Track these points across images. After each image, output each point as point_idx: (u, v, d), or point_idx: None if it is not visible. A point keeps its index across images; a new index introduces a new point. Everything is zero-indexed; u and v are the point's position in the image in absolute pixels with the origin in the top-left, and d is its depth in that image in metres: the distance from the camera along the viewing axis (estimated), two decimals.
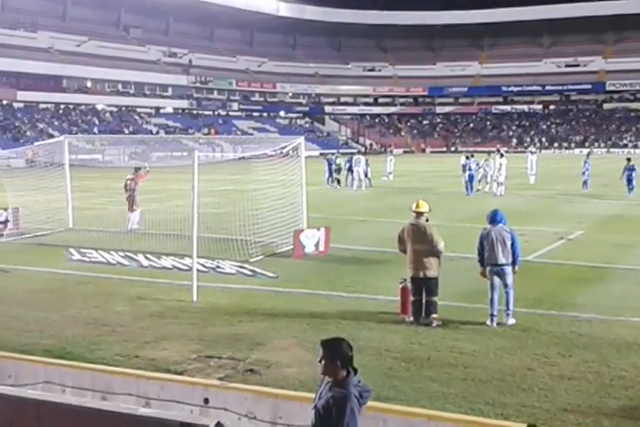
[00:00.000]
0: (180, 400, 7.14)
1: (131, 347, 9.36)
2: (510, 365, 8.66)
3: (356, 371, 4.81)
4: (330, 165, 37.30)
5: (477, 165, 31.81)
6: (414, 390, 7.81)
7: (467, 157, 33.10)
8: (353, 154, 40.71)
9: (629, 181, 30.78)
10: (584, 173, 33.48)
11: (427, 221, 11.07)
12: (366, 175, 35.97)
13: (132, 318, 10.95)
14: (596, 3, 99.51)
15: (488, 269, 10.66)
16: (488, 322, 10.47)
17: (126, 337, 9.85)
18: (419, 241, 10.73)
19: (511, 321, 10.46)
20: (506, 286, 10.59)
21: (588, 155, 39.69)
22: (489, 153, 37.81)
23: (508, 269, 10.59)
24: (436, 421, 6.34)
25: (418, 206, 11.07)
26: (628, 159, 32.54)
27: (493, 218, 10.78)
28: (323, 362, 4.69)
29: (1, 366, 8.09)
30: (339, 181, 36.51)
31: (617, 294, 12.56)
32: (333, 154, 40.91)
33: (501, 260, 10.51)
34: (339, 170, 37.25)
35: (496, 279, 10.60)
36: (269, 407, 6.87)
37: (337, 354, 4.69)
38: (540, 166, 39.01)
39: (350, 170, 36.38)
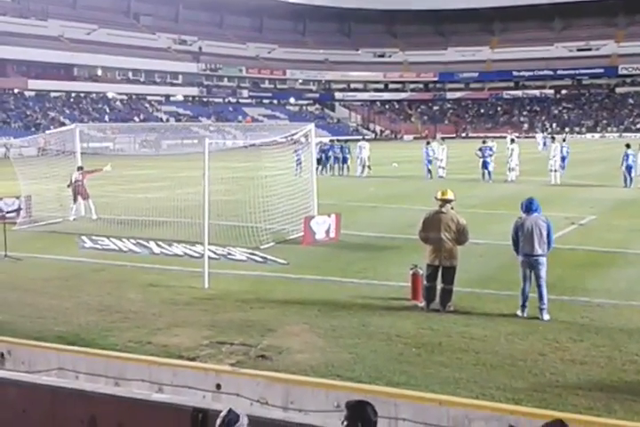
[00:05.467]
0: (193, 386, 7.19)
1: (143, 333, 9.42)
2: (521, 350, 8.67)
3: None
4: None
5: (491, 150, 31.55)
6: (425, 375, 7.83)
7: (483, 142, 33.07)
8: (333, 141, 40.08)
9: (629, 169, 27.91)
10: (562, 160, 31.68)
11: (451, 208, 10.96)
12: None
13: (144, 304, 11.01)
14: None
15: (522, 259, 10.32)
16: (519, 312, 10.19)
17: (139, 324, 9.91)
18: (447, 230, 10.56)
19: (546, 317, 10.03)
20: (539, 278, 10.18)
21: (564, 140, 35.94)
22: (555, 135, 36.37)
23: (543, 260, 10.21)
24: (448, 406, 6.37)
25: (444, 194, 10.94)
26: (627, 145, 28.93)
27: (529, 207, 10.33)
28: (345, 423, 4.58)
29: (15, 352, 8.17)
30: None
31: (629, 279, 12.51)
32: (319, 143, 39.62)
33: (537, 250, 10.14)
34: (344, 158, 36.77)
35: (529, 271, 10.26)
36: (281, 393, 6.92)
37: (359, 417, 4.60)
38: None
39: (327, 158, 36.37)
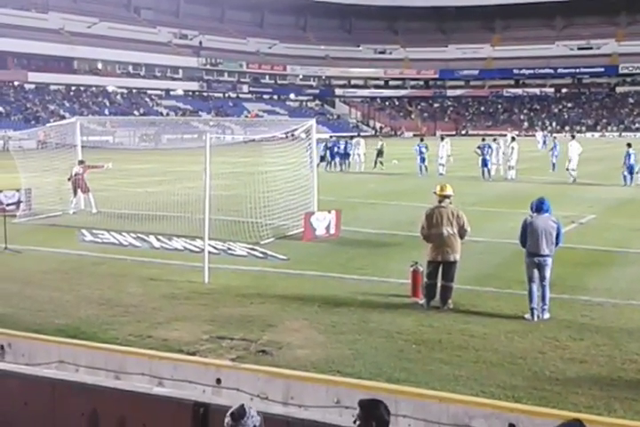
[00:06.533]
0: (193, 380, 7.21)
1: (143, 327, 9.42)
2: (521, 348, 8.67)
3: None
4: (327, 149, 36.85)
5: (490, 148, 31.58)
6: (425, 372, 7.83)
7: (482, 140, 33.00)
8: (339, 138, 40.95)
9: (630, 168, 28.16)
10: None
11: (450, 203, 10.95)
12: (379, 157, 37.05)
13: (144, 298, 11.00)
14: None
15: (528, 260, 10.19)
16: (527, 316, 9.97)
17: (139, 318, 9.91)
18: (449, 224, 10.55)
19: (546, 315, 9.99)
20: (543, 279, 10.08)
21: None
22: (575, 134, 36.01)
23: (549, 261, 10.10)
24: (448, 403, 6.39)
25: (442, 189, 10.90)
26: (629, 144, 29.22)
27: (539, 207, 10.18)
28: (357, 423, 4.50)
29: (15, 345, 8.18)
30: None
31: (629, 277, 12.52)
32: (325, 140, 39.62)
33: (544, 250, 10.00)
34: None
35: (535, 271, 10.15)
36: (281, 388, 6.93)
37: (372, 416, 4.51)
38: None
39: (332, 155, 36.67)
